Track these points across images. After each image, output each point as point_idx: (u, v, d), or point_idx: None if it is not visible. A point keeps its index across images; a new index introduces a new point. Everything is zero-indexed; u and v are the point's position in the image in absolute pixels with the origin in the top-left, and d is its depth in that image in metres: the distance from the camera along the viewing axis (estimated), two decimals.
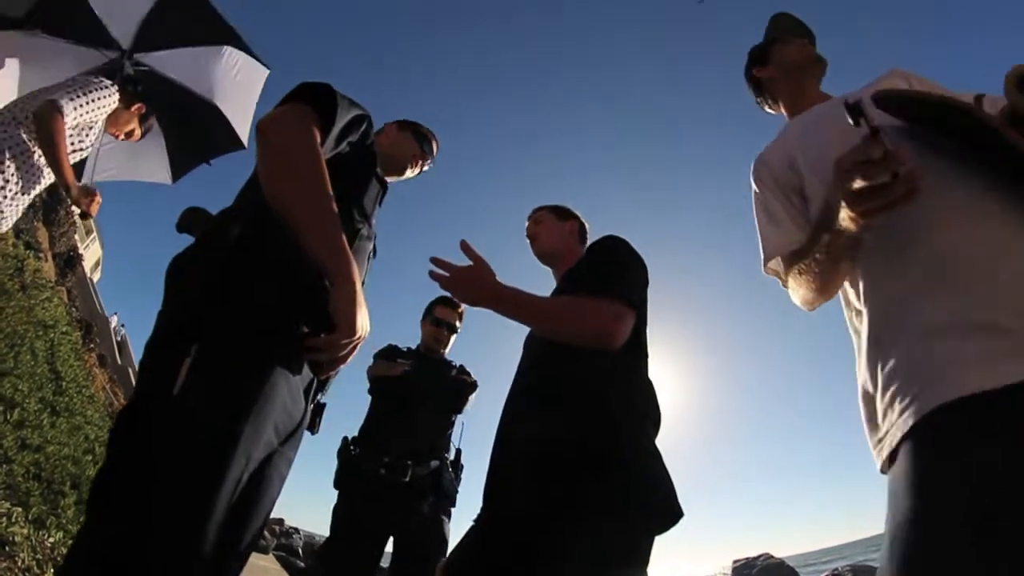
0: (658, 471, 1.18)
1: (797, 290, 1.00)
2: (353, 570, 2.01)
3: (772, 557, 17.14)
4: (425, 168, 1.51)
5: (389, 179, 1.39)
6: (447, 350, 2.54)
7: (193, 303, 0.87)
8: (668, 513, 1.15)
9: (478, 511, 1.31)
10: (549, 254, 1.60)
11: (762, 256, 1.06)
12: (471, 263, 1.22)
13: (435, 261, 1.24)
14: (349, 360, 0.96)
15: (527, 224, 1.67)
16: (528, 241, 1.65)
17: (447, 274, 1.22)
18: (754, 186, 1.10)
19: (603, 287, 1.24)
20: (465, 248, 1.23)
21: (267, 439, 0.86)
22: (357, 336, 0.91)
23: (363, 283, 1.11)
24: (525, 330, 1.44)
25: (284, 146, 0.93)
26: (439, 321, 2.49)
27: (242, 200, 1.04)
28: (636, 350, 1.30)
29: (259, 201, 0.93)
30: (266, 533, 9.99)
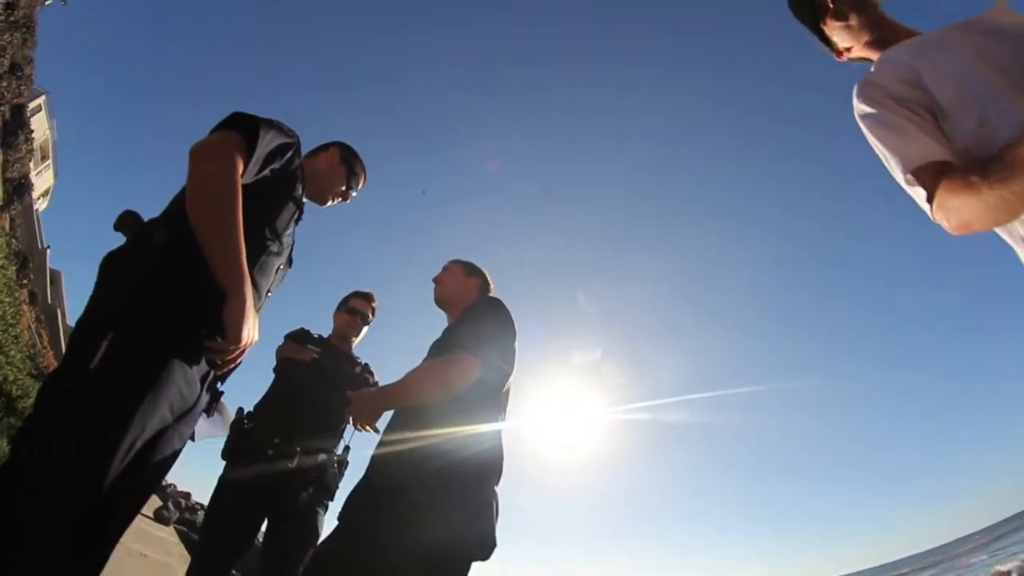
0: (481, 509, 1.45)
1: (958, 209, 0.86)
2: (227, 545, 2.08)
3: None
4: (345, 201, 1.70)
5: (309, 200, 1.54)
6: (358, 340, 2.60)
7: (116, 296, 1.05)
8: (484, 545, 1.44)
9: None
10: (445, 300, 1.81)
11: (900, 167, 0.97)
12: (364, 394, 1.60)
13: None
14: (239, 362, 1.17)
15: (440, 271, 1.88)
16: (432, 284, 1.86)
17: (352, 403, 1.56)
18: (864, 107, 1.04)
19: (453, 342, 1.53)
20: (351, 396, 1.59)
21: (161, 415, 1.02)
22: (243, 344, 1.11)
23: (270, 291, 1.33)
24: (428, 340, 1.72)
25: (207, 174, 1.10)
26: (354, 310, 2.55)
27: (169, 209, 1.19)
28: (484, 390, 1.52)
29: (181, 213, 1.11)
30: (170, 505, 9.75)
